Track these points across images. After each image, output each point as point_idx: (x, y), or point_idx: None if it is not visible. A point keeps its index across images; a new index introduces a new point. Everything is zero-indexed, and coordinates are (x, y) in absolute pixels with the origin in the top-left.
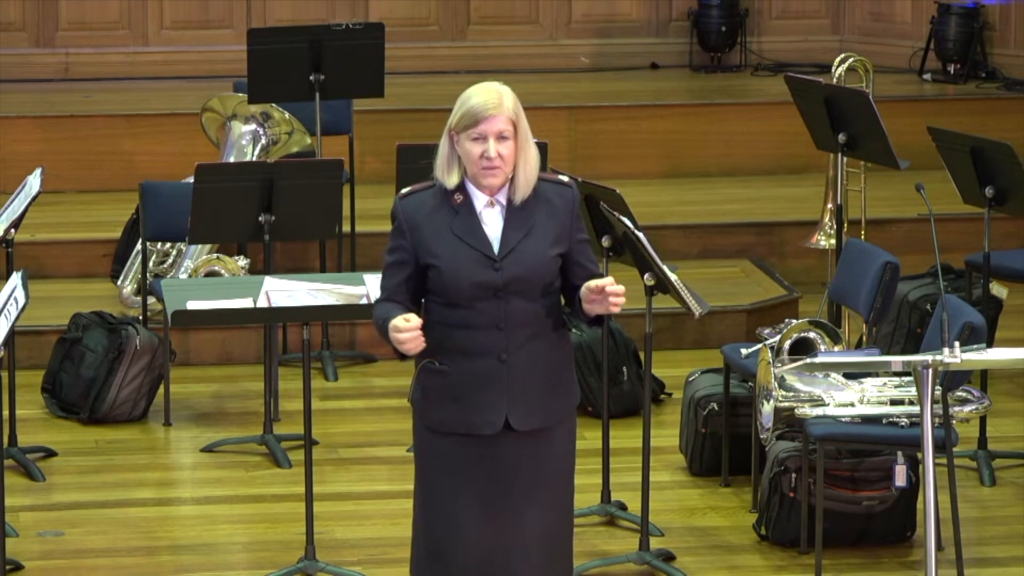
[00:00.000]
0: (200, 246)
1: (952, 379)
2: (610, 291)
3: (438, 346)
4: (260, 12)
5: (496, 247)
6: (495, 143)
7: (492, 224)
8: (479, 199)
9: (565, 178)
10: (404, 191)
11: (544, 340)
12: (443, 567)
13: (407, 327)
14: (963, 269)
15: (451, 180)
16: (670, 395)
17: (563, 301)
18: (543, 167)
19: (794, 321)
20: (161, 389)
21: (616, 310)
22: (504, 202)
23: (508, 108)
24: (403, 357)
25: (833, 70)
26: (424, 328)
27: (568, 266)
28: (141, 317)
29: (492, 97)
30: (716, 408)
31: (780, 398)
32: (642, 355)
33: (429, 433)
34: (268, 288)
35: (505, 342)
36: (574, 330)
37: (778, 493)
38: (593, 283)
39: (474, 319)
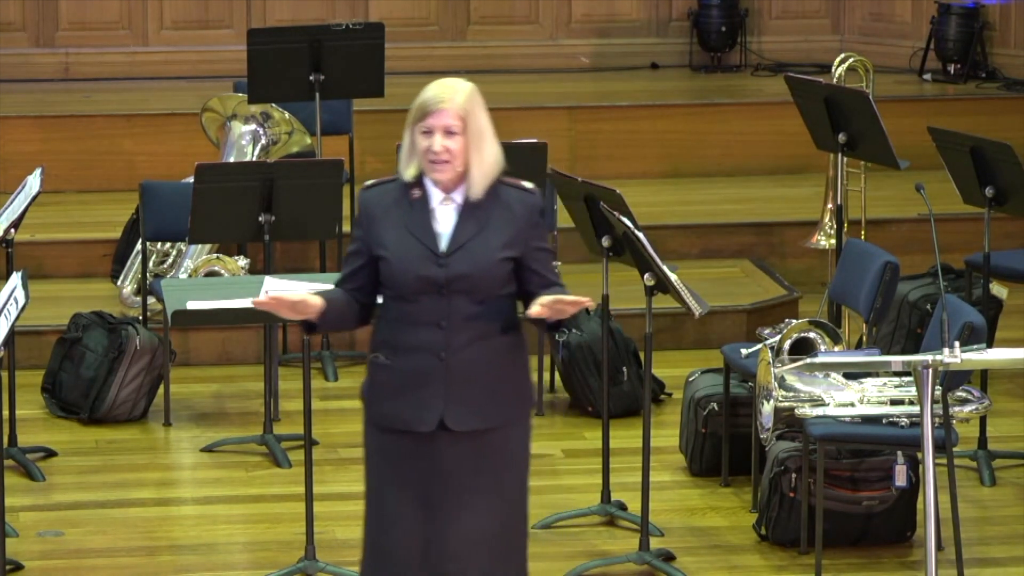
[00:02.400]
0: (200, 246)
1: (952, 379)
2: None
3: (385, 341)
4: (260, 12)
5: (444, 243)
6: (441, 137)
7: (444, 221)
8: (435, 195)
9: (529, 185)
10: (369, 183)
11: (489, 342)
12: (382, 565)
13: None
14: (963, 269)
15: (408, 173)
16: (670, 395)
17: (522, 308)
18: (543, 167)
19: (794, 321)
20: (161, 389)
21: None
22: (460, 200)
23: (458, 104)
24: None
25: (833, 70)
26: (378, 322)
27: (523, 273)
28: (141, 317)
29: (444, 92)
30: (716, 408)
31: (780, 398)
32: (642, 355)
33: (373, 428)
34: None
35: (445, 340)
36: (574, 330)
37: (778, 493)
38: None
39: (417, 314)
